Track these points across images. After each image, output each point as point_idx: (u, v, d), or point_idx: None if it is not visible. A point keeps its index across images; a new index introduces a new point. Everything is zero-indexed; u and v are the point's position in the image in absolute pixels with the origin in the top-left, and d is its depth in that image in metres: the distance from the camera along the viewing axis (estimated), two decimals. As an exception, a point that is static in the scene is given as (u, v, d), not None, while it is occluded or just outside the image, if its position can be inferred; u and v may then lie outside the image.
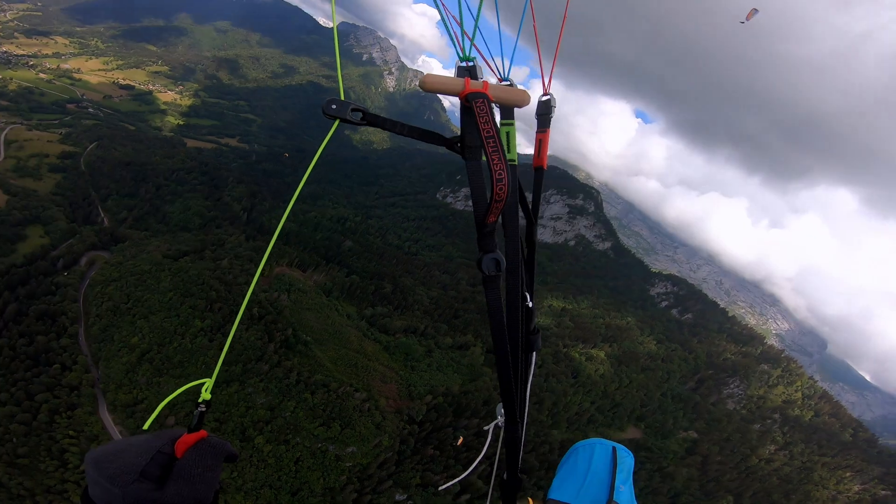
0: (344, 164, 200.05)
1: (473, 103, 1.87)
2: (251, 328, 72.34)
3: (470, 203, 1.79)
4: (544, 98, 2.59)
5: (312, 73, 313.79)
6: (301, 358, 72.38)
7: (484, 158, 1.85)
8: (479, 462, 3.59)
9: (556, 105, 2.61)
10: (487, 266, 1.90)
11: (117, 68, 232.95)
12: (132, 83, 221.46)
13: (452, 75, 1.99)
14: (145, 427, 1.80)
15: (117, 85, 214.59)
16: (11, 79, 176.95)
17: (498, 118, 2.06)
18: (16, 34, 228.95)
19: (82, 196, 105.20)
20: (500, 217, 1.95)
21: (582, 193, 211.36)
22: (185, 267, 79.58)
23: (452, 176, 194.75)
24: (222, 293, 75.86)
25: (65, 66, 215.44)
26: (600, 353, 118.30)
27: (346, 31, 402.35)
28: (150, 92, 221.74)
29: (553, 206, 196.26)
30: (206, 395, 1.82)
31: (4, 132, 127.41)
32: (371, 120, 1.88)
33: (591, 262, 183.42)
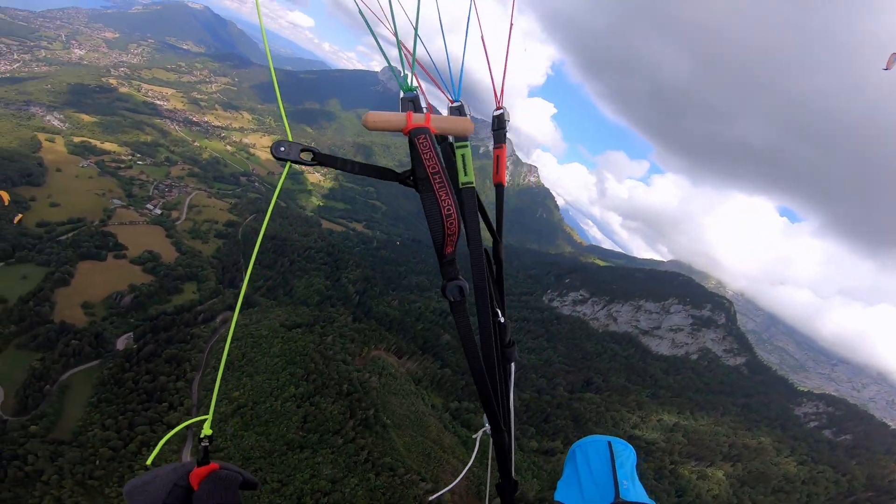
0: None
1: (416, 139, 1.86)
2: (337, 402, 76.46)
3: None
4: (497, 113, 2.60)
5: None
6: (376, 438, 74.10)
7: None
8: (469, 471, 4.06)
9: (510, 118, 2.61)
10: (451, 293, 1.99)
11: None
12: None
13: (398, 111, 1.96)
14: (147, 463, 1.99)
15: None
16: (206, 148, 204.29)
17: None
18: (217, 106, 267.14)
19: (233, 262, 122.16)
20: (466, 237, 2.05)
21: (710, 304, 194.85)
22: (294, 337, 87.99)
23: (561, 279, 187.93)
24: (320, 366, 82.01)
25: (245, 140, 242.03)
26: (717, 473, 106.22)
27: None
28: (302, 172, 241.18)
29: (673, 317, 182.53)
30: (207, 430, 1.89)
31: (190, 196, 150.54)
32: (322, 160, 1.85)
33: (716, 378, 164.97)
